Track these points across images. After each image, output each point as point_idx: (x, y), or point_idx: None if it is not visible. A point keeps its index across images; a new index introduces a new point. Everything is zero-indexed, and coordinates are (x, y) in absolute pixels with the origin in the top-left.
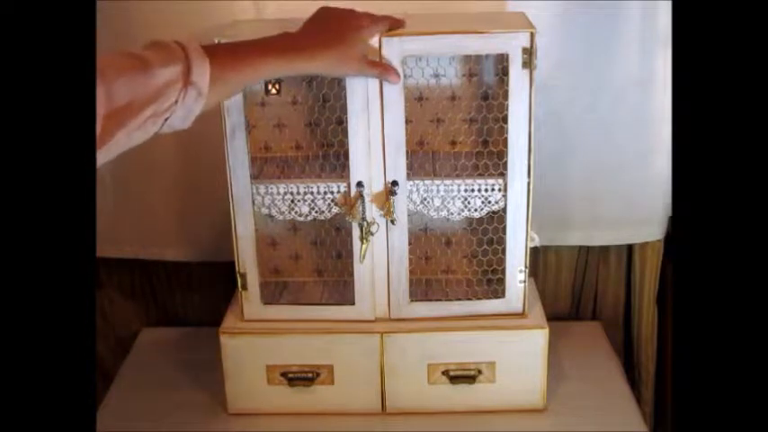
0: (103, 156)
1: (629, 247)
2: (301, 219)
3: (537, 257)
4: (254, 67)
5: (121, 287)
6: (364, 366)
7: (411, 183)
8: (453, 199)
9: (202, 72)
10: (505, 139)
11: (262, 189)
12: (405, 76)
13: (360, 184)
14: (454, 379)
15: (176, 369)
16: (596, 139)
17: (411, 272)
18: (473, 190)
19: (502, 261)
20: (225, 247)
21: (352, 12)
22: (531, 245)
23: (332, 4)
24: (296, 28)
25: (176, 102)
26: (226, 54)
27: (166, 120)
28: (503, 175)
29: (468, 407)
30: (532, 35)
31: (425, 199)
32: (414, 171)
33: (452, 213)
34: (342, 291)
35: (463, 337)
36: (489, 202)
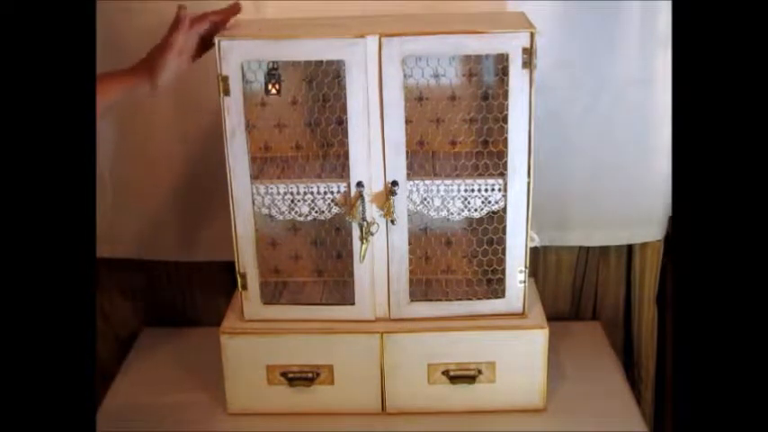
0: None
1: (629, 247)
2: (301, 219)
3: (537, 257)
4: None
5: (121, 287)
6: (364, 366)
7: (411, 183)
8: (453, 199)
9: None
10: (505, 139)
11: (262, 189)
12: (405, 75)
13: (360, 184)
14: (454, 379)
15: (176, 369)
16: (596, 139)
17: (411, 272)
18: (473, 190)
19: (502, 261)
20: (225, 247)
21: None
22: (531, 245)
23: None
24: (296, 28)
25: None
26: None
27: None
28: (503, 175)
29: (468, 407)
30: (532, 35)
31: (425, 199)
32: (414, 171)
33: (452, 213)
34: (342, 291)
35: (463, 337)
36: (489, 202)
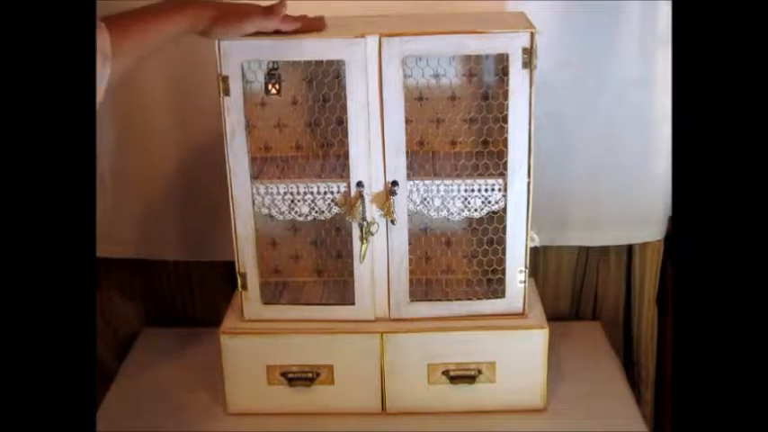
0: None
1: (629, 248)
2: (301, 219)
3: (537, 257)
4: (146, 33)
5: (121, 287)
6: (364, 366)
7: (411, 183)
8: (453, 199)
9: (103, 39)
10: (505, 139)
11: (262, 189)
12: (405, 75)
13: (360, 184)
14: (454, 379)
15: (176, 369)
16: (596, 139)
17: (411, 272)
18: (473, 190)
19: (502, 261)
20: (225, 247)
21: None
22: (531, 245)
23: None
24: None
25: None
26: (117, 25)
27: None
28: (503, 175)
29: (468, 407)
30: (532, 35)
31: (425, 199)
32: (414, 171)
33: (452, 213)
34: (342, 291)
35: (463, 337)
36: (489, 202)
